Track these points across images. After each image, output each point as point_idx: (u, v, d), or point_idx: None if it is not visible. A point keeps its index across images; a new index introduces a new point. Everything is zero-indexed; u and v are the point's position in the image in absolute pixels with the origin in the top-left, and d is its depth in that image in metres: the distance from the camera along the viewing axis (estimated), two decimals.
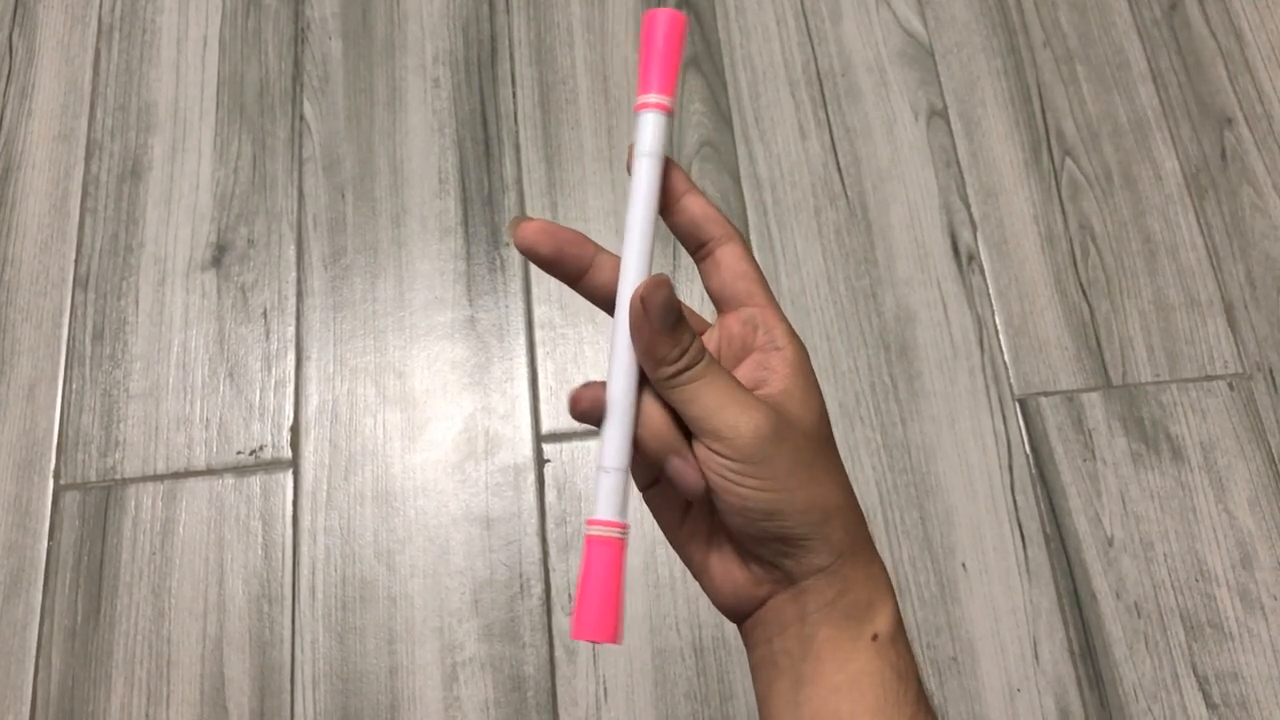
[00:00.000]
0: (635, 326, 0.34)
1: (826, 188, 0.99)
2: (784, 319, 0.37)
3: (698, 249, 0.38)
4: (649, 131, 0.36)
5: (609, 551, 0.33)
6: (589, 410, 0.35)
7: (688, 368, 0.34)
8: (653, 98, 0.36)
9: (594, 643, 0.33)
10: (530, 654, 0.84)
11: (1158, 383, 0.92)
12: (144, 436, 0.91)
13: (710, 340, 0.38)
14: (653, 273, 0.35)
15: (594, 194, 0.99)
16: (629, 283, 0.35)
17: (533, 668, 0.84)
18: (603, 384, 0.35)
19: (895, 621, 0.36)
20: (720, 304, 0.38)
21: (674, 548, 0.38)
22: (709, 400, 0.33)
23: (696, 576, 0.37)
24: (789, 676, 0.35)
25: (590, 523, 0.34)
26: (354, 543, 0.88)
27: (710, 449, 0.33)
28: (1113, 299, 0.95)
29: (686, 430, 0.35)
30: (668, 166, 0.36)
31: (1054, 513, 0.88)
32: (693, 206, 0.37)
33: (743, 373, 0.36)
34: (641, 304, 0.33)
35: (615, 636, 0.33)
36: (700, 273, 0.38)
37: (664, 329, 0.33)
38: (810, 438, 0.35)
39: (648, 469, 0.37)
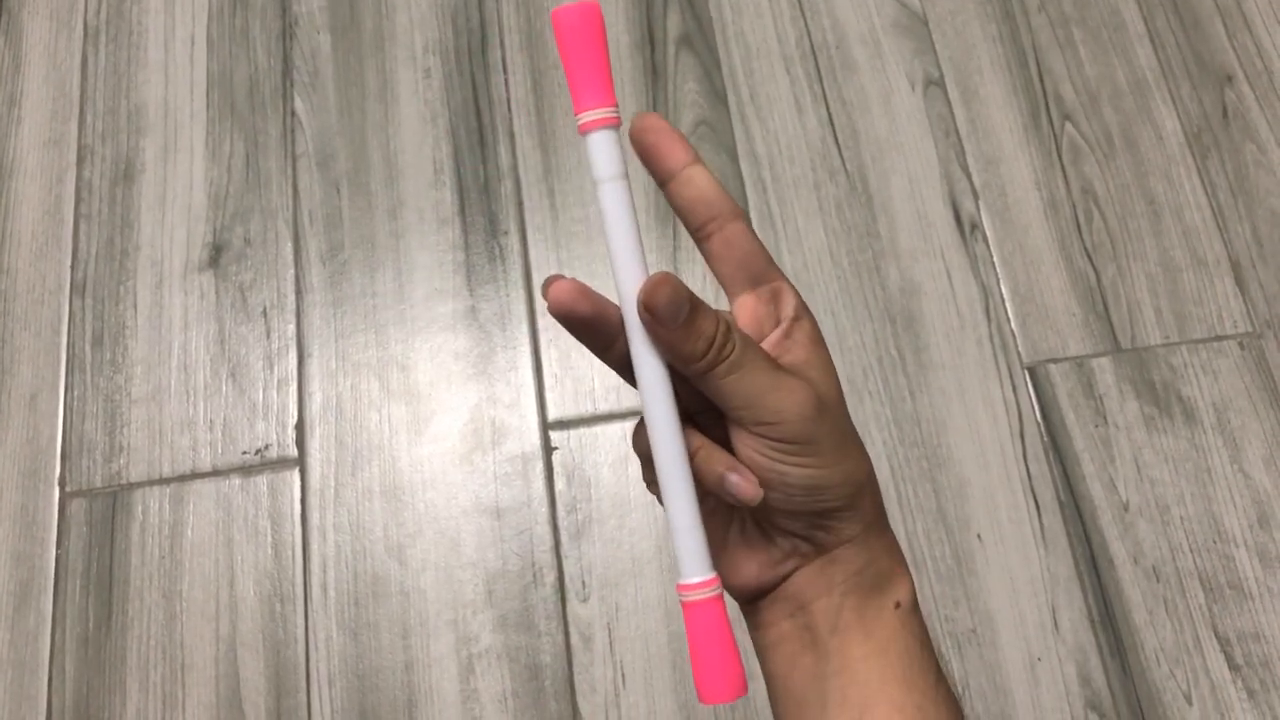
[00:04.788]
0: (650, 332, 0.32)
1: (825, 162, 0.98)
2: (797, 291, 0.36)
3: (702, 226, 0.35)
4: (602, 154, 0.32)
5: (711, 611, 0.32)
6: (568, 307, 0.32)
7: (721, 359, 0.32)
8: (593, 114, 0.31)
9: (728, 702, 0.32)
10: (546, 643, 0.84)
11: (1167, 345, 0.91)
12: (148, 440, 0.90)
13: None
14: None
15: (590, 178, 0.98)
16: (637, 325, 0.32)
17: (549, 656, 0.83)
18: (572, 281, 0.33)
19: (914, 590, 0.36)
20: (733, 284, 0.36)
21: None
22: (751, 387, 0.32)
23: (712, 557, 0.36)
24: (813, 651, 0.35)
25: (682, 588, 0.32)
26: (364, 538, 0.87)
27: (755, 433, 0.32)
28: (1118, 262, 0.95)
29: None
30: (664, 136, 0.34)
31: (1068, 480, 0.87)
32: (699, 180, 0.35)
33: (769, 345, 0.35)
34: (646, 309, 0.31)
35: (744, 688, 0.32)
36: (706, 254, 0.36)
37: (680, 325, 0.31)
38: (837, 406, 0.34)
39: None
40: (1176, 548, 0.85)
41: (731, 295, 0.37)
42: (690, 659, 0.32)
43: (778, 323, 0.36)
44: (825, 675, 0.34)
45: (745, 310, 0.36)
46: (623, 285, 0.32)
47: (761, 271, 0.36)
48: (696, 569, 0.32)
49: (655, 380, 0.32)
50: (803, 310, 0.36)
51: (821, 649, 0.34)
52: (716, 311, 0.33)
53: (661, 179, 0.35)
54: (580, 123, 0.32)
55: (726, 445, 0.34)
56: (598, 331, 0.33)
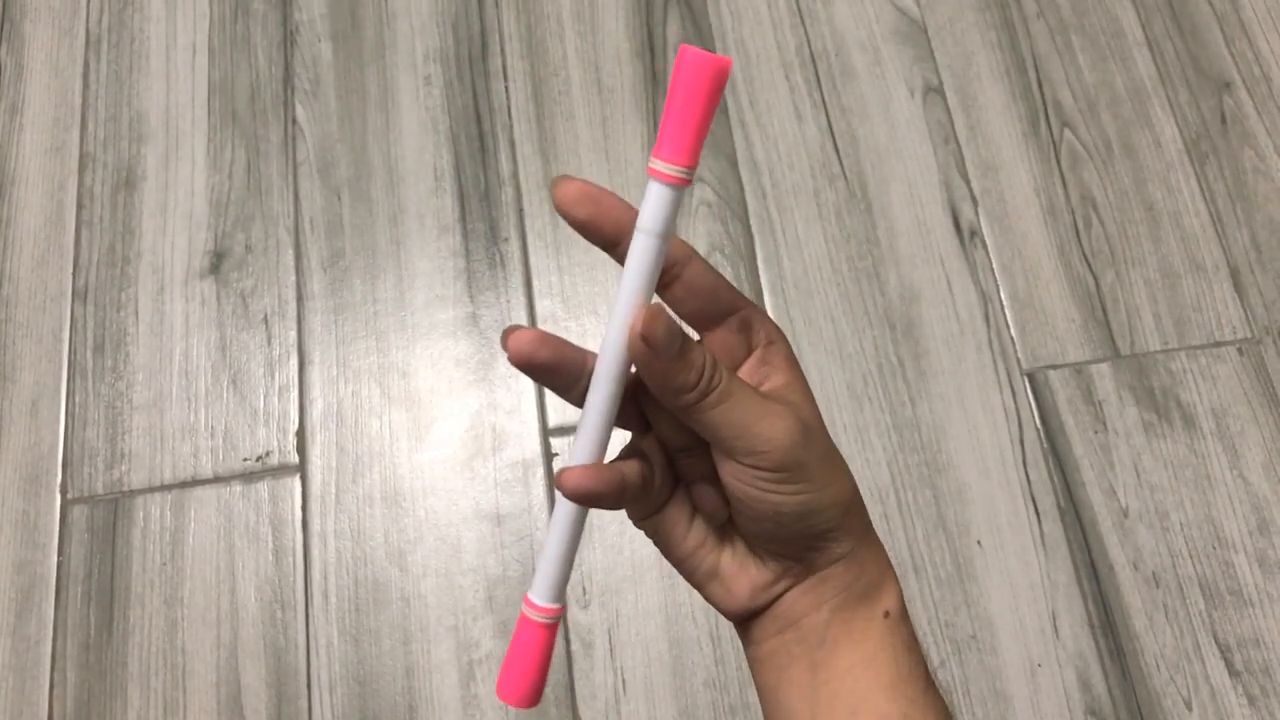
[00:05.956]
0: (644, 364, 0.31)
1: (825, 169, 0.99)
2: (767, 315, 0.36)
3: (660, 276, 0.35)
4: (654, 207, 0.30)
5: (537, 634, 0.34)
6: (528, 355, 0.32)
7: (711, 389, 0.32)
8: (664, 166, 0.30)
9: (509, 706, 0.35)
10: None
11: (1166, 351, 0.92)
12: (149, 447, 0.91)
13: None
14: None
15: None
16: (605, 373, 0.32)
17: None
18: (533, 331, 0.32)
19: (902, 598, 0.36)
20: (699, 322, 0.36)
21: (676, 563, 0.37)
22: (738, 417, 0.32)
23: (702, 584, 0.36)
24: (804, 663, 0.35)
25: (527, 601, 0.34)
26: (365, 544, 0.87)
27: (745, 464, 0.32)
28: (1117, 268, 0.95)
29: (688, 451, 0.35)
30: (599, 204, 0.32)
31: (1067, 486, 0.88)
32: None
33: (746, 374, 0.35)
34: (644, 340, 0.31)
35: (529, 704, 0.34)
36: (669, 300, 0.35)
37: (675, 357, 0.31)
38: (821, 429, 0.34)
39: (649, 503, 0.35)
40: (1176, 554, 0.85)
41: (699, 332, 0.36)
42: (505, 655, 0.34)
43: (749, 350, 0.35)
44: (814, 686, 0.34)
45: (714, 345, 0.36)
46: (613, 330, 0.32)
47: (729, 303, 0.35)
48: (547, 596, 0.34)
49: (597, 418, 0.33)
50: (775, 333, 0.36)
51: (810, 661, 0.35)
52: (700, 342, 0.33)
53: (608, 244, 0.33)
54: (652, 167, 0.30)
55: (713, 481, 0.34)
56: (559, 375, 0.33)
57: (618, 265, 0.33)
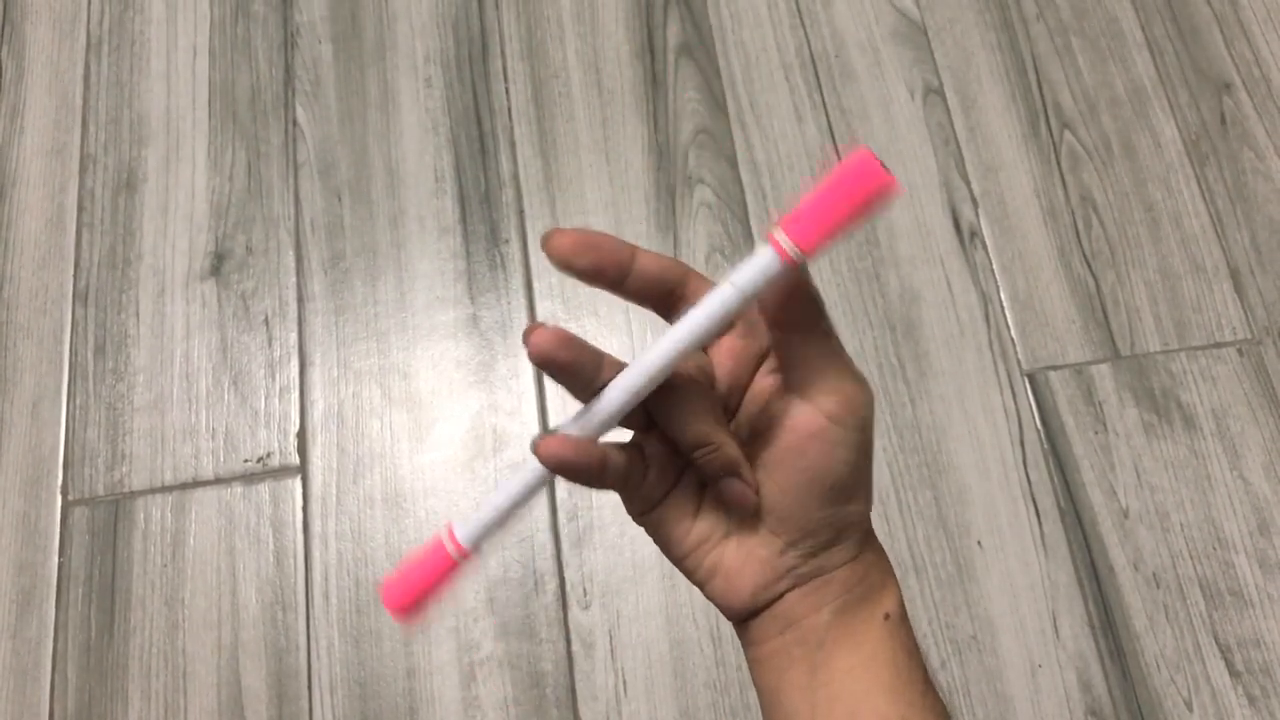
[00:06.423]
0: (789, 289, 0.32)
1: (825, 171, 0.99)
2: None
3: (665, 299, 0.35)
4: (756, 271, 0.31)
5: (444, 563, 0.34)
6: (549, 355, 0.32)
7: (825, 315, 0.33)
8: (788, 243, 0.30)
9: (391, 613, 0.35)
10: (547, 650, 0.84)
11: (1166, 352, 0.92)
12: (150, 449, 0.91)
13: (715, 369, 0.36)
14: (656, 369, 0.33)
15: (591, 186, 0.98)
16: (639, 373, 0.32)
17: (550, 664, 0.83)
18: (558, 330, 0.33)
19: (902, 600, 0.36)
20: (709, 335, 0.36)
21: (676, 560, 0.36)
22: (838, 360, 0.33)
23: (704, 582, 0.36)
24: (804, 664, 0.35)
25: (451, 532, 0.34)
26: (365, 546, 0.87)
27: (822, 407, 0.33)
28: (1118, 269, 0.95)
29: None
30: (600, 248, 0.33)
31: (1068, 486, 0.88)
32: (648, 264, 0.34)
33: (764, 374, 0.36)
34: (805, 254, 0.31)
35: (407, 619, 0.34)
36: (681, 314, 0.35)
37: (808, 281, 0.32)
38: None
39: (643, 498, 0.35)
40: (1176, 554, 0.85)
41: (708, 346, 0.36)
42: (400, 565, 0.34)
43: (760, 354, 0.36)
44: (813, 687, 0.34)
45: (723, 350, 0.36)
46: (665, 341, 0.32)
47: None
48: (470, 540, 0.34)
49: (607, 409, 0.33)
50: None
51: (810, 662, 0.35)
52: None
53: (614, 285, 0.34)
54: (775, 237, 0.31)
55: (738, 474, 0.34)
56: (575, 376, 0.33)
57: None
